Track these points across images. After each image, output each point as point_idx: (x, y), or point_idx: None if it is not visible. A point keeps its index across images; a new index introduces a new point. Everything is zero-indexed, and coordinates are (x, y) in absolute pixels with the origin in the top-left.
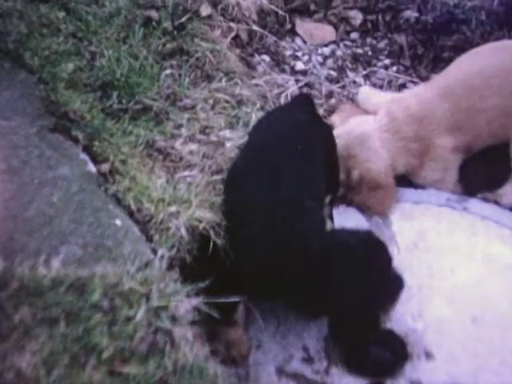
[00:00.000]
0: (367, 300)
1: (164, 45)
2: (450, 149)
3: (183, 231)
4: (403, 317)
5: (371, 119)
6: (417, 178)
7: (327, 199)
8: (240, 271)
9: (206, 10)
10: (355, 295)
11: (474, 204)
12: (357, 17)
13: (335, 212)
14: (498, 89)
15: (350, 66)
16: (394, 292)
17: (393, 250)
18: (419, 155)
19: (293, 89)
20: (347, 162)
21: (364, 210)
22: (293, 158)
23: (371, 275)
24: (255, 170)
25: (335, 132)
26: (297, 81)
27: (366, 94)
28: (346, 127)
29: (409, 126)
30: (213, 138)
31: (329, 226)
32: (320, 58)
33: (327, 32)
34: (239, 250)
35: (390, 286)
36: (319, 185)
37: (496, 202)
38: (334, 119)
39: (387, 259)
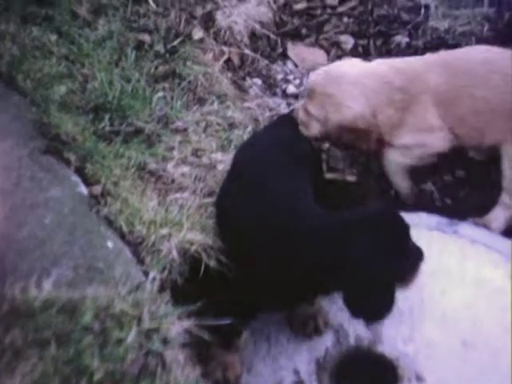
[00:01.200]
0: (386, 271)
1: (156, 68)
2: (434, 113)
3: (175, 253)
4: (394, 340)
5: (360, 63)
6: (394, 137)
7: None
8: (250, 285)
9: (198, 34)
10: (373, 267)
11: (465, 228)
12: (348, 41)
13: None
14: (495, 84)
15: None
16: (414, 263)
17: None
18: (401, 109)
19: (284, 112)
20: (323, 100)
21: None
22: (280, 173)
23: (389, 245)
24: (246, 188)
25: (318, 71)
26: (288, 104)
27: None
28: (329, 66)
29: (398, 78)
30: (205, 160)
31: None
32: None
33: (319, 56)
34: (249, 265)
35: (409, 257)
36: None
37: (486, 227)
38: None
39: (404, 228)
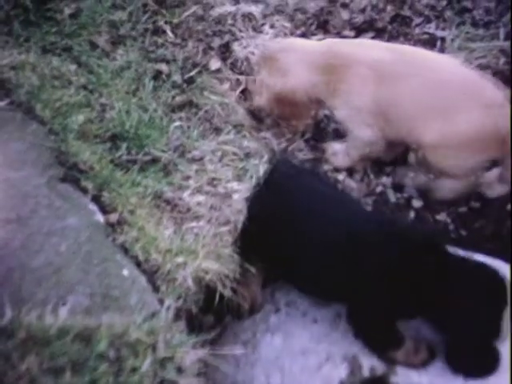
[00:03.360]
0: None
1: (173, 97)
2: (370, 86)
3: (190, 282)
4: (408, 372)
5: (312, 42)
6: (335, 107)
7: None
8: None
9: (215, 64)
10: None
11: (480, 259)
12: None
13: None
14: (437, 83)
15: None
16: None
17: None
18: (340, 74)
19: (298, 142)
20: (269, 66)
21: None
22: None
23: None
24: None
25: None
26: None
27: None
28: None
29: (345, 47)
30: (220, 189)
31: None
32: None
33: None
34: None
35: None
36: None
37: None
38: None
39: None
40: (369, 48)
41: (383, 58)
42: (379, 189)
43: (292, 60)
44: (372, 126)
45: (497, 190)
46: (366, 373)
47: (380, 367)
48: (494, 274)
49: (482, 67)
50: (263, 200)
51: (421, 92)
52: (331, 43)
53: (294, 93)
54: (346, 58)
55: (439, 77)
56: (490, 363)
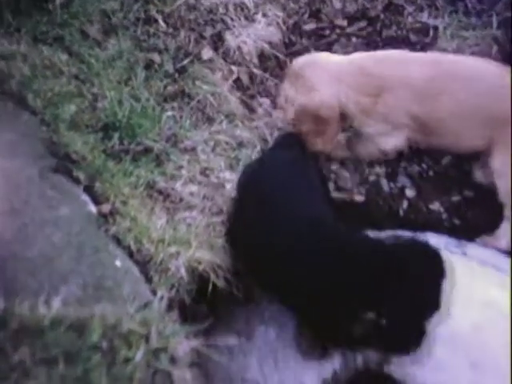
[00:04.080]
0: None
1: (165, 87)
2: (406, 107)
3: (183, 272)
4: (402, 362)
5: (338, 57)
6: (362, 124)
7: None
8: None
9: (207, 54)
10: (411, 304)
11: (473, 249)
12: None
13: None
14: (480, 91)
15: None
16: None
17: None
18: (375, 96)
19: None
20: (296, 82)
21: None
22: (294, 189)
23: (427, 283)
24: (261, 209)
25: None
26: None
27: None
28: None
29: (378, 66)
30: (213, 179)
31: None
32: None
33: None
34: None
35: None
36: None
37: (495, 247)
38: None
39: (442, 269)
40: (403, 64)
41: (419, 75)
42: (372, 178)
43: (319, 77)
44: (401, 139)
45: None
46: (359, 362)
47: (374, 357)
48: (424, 248)
49: (475, 55)
50: (239, 185)
51: (464, 103)
52: (361, 61)
53: (321, 109)
54: (380, 79)
55: (480, 84)
56: (416, 338)
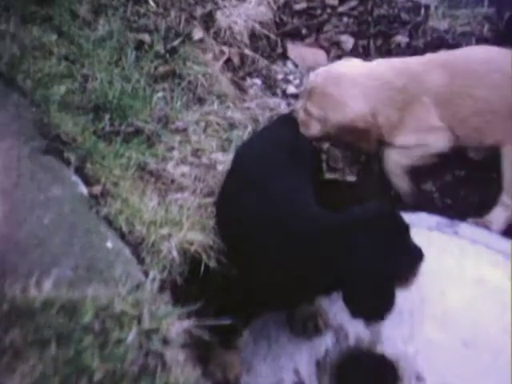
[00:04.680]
0: (385, 270)
1: (156, 68)
2: (434, 114)
3: (175, 253)
4: (394, 340)
5: (359, 63)
6: (394, 137)
7: None
8: (250, 285)
9: (198, 34)
10: (373, 266)
11: (465, 228)
12: (348, 41)
13: None
14: (495, 84)
15: None
16: (414, 263)
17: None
18: (401, 109)
19: (284, 112)
20: (322, 100)
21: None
22: (280, 173)
23: (388, 244)
24: (246, 188)
25: (317, 71)
26: (288, 104)
27: None
28: (329, 66)
29: (397, 78)
30: (204, 160)
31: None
32: None
33: (318, 56)
34: (249, 265)
35: (408, 256)
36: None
37: (486, 227)
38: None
39: (403, 227)
40: (421, 73)
41: (437, 82)
42: (363, 158)
43: (347, 93)
44: (441, 143)
45: None
46: (351, 342)
47: (366, 336)
48: (389, 217)
49: (467, 34)
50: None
51: (483, 99)
52: (383, 74)
53: (357, 122)
54: (403, 91)
55: (496, 76)
56: (386, 303)
